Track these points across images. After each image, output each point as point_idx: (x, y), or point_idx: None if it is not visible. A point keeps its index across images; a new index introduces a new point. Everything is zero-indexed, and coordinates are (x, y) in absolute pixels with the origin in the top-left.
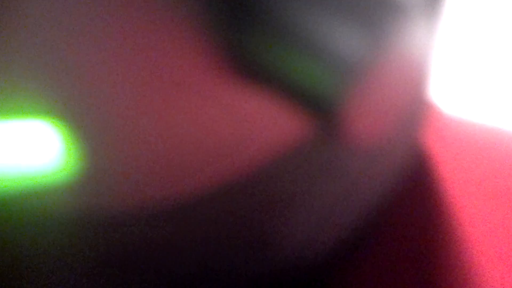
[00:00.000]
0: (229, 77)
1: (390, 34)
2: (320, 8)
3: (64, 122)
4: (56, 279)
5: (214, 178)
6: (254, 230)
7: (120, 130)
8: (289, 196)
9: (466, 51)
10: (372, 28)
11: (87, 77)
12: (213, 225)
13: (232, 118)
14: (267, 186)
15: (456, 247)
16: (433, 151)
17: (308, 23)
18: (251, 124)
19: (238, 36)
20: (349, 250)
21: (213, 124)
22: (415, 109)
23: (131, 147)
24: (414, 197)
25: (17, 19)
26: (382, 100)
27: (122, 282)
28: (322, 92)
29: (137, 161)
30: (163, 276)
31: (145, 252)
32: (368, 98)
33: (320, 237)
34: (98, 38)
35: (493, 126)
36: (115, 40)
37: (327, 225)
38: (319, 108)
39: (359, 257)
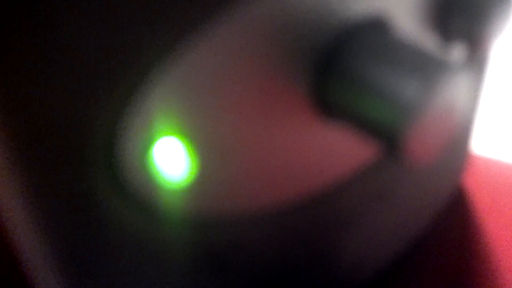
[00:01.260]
0: (316, 115)
1: (438, 83)
2: (388, 65)
3: (192, 141)
4: (162, 270)
5: (298, 191)
6: (321, 241)
7: (234, 150)
8: (352, 213)
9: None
10: (425, 78)
11: (223, 111)
12: (290, 232)
13: (316, 145)
14: (338, 202)
15: (488, 269)
16: (470, 188)
17: (378, 76)
18: (330, 150)
19: (323, 86)
20: (395, 267)
21: (302, 149)
22: (457, 149)
23: (239, 164)
24: (452, 225)
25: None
26: (431, 132)
27: (219, 274)
28: (386, 126)
29: (240, 175)
30: (249, 271)
31: (238, 248)
32: (420, 130)
33: (373, 253)
34: (236, 89)
35: None
36: (244, 88)
37: (379, 243)
38: (384, 137)
39: (401, 275)
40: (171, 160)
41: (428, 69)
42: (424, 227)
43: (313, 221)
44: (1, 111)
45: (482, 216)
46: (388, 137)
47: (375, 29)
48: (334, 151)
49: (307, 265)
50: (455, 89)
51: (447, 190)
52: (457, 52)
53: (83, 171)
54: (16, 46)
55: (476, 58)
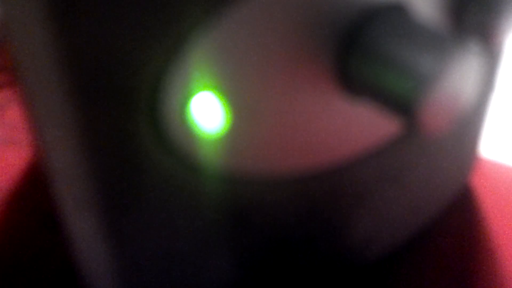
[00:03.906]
0: (339, 89)
1: (451, 59)
2: (405, 43)
3: (226, 97)
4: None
5: (317, 160)
6: (334, 212)
7: (262, 110)
8: (366, 189)
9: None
10: (439, 54)
11: (255, 73)
12: (307, 199)
13: (337, 117)
14: (354, 176)
15: (491, 267)
16: (477, 189)
17: (397, 52)
18: (350, 124)
19: (347, 60)
20: (400, 255)
21: (323, 119)
22: (466, 144)
23: (265, 124)
24: (459, 223)
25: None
26: (444, 105)
27: (241, 231)
28: (403, 97)
29: (265, 135)
30: (268, 231)
31: (261, 207)
32: (434, 102)
33: (381, 233)
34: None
35: None
36: (275, 55)
37: (388, 223)
38: (400, 108)
39: (407, 270)
40: (207, 112)
41: (442, 47)
42: (430, 217)
43: (329, 192)
44: (65, 48)
45: (488, 216)
46: (404, 108)
47: (396, 11)
48: (354, 125)
49: (321, 235)
50: (466, 67)
51: (454, 184)
52: (471, 44)
53: (130, 114)
54: None
55: (489, 52)
